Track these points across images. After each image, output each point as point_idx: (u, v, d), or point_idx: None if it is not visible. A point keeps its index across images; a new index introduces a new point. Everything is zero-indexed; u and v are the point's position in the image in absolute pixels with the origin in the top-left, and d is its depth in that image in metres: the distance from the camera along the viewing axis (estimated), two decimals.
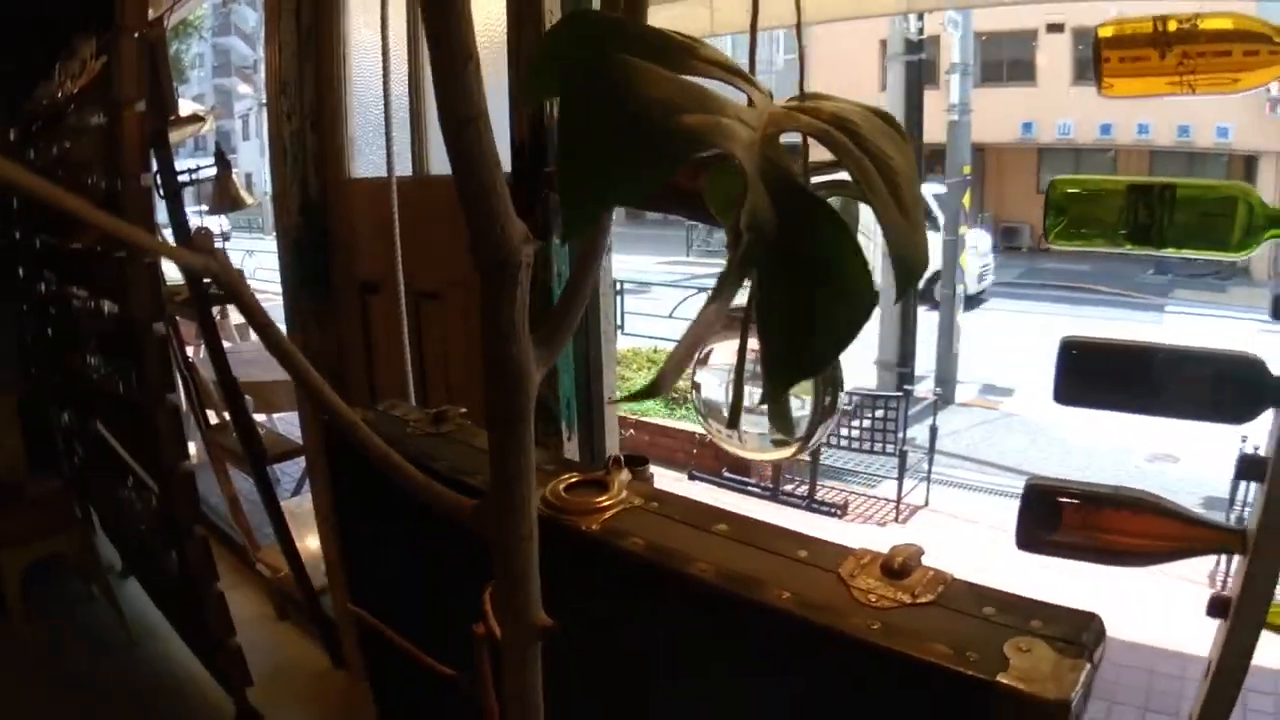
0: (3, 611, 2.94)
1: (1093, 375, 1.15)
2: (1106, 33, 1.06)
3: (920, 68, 7.83)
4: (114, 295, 2.39)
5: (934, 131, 9.03)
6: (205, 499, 3.32)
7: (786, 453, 0.62)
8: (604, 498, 0.93)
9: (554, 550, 0.90)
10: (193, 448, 4.00)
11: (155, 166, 2.39)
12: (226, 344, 3.14)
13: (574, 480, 0.98)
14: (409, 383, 2.03)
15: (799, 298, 0.35)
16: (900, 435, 5.81)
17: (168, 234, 2.79)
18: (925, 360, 8.60)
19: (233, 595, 2.58)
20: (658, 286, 11.54)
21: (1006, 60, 14.48)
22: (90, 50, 2.32)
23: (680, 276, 13.71)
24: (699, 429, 6.50)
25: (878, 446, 5.91)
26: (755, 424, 0.62)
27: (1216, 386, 1.06)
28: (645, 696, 0.90)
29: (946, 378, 8.50)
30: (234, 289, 0.51)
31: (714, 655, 0.81)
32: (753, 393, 0.58)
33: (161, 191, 2.49)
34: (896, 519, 5.51)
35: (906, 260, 0.37)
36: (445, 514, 0.56)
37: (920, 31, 7.59)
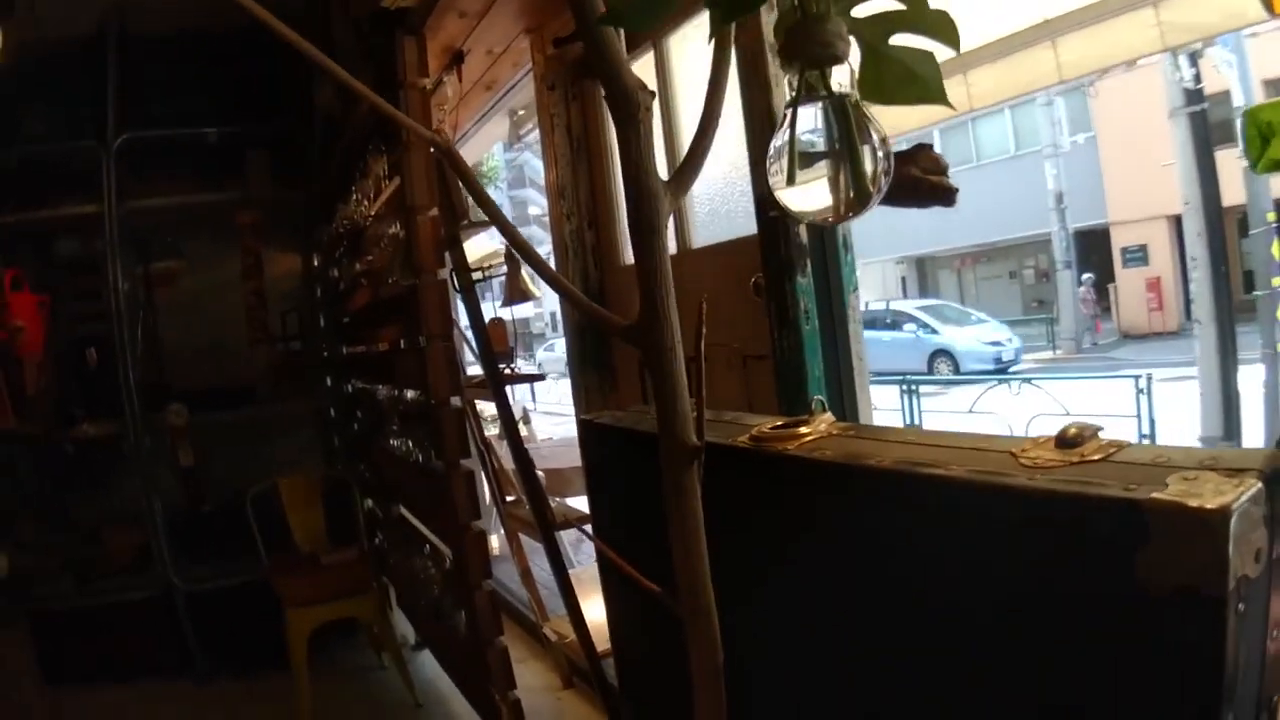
0: (289, 668, 3.14)
1: None
2: None
3: (1205, 118, 7.09)
4: (416, 382, 2.69)
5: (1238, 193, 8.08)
6: (500, 580, 3.54)
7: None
8: (805, 429, 1.02)
9: (757, 470, 1.00)
10: (495, 541, 4.34)
11: (449, 264, 2.64)
12: (527, 444, 3.38)
13: (781, 422, 1.08)
14: None
15: None
16: None
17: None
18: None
19: (521, 667, 2.73)
20: (956, 387, 11.14)
21: None
22: (383, 168, 2.65)
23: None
24: None
25: None
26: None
27: None
28: (836, 575, 0.96)
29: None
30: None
31: (893, 532, 0.86)
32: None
33: (456, 285, 2.73)
34: None
35: None
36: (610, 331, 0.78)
37: (1197, 79, 6.91)
